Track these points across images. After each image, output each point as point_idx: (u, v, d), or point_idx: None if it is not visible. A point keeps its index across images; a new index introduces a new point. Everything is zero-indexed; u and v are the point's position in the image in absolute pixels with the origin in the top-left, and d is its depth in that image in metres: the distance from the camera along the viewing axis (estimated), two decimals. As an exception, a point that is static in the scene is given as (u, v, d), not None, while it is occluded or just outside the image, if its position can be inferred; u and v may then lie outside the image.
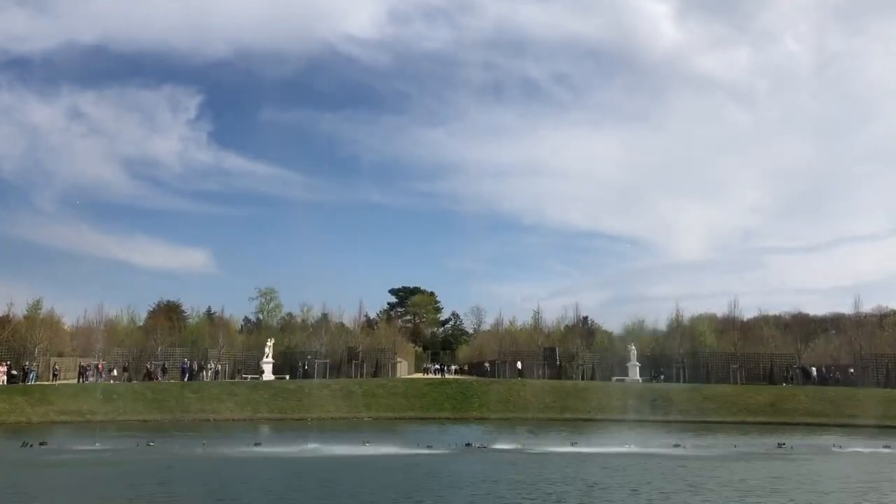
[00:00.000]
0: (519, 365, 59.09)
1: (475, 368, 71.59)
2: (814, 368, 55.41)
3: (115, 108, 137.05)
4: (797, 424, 41.15)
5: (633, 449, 27.37)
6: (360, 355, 59.52)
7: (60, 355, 56.88)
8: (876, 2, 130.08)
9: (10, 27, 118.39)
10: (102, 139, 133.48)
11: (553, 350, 61.85)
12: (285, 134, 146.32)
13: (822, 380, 53.96)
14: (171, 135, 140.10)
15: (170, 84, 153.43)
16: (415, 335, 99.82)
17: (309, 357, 58.02)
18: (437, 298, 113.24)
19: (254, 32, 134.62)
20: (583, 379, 56.82)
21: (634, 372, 56.15)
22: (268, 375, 53.77)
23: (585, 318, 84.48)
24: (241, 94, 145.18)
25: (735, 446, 29.17)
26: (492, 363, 64.08)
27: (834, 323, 78.63)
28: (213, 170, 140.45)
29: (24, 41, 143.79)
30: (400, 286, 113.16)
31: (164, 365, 54.74)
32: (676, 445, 28.79)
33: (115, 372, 53.97)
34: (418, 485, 18.31)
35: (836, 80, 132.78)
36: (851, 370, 54.21)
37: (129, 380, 53.26)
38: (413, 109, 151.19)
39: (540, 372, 59.22)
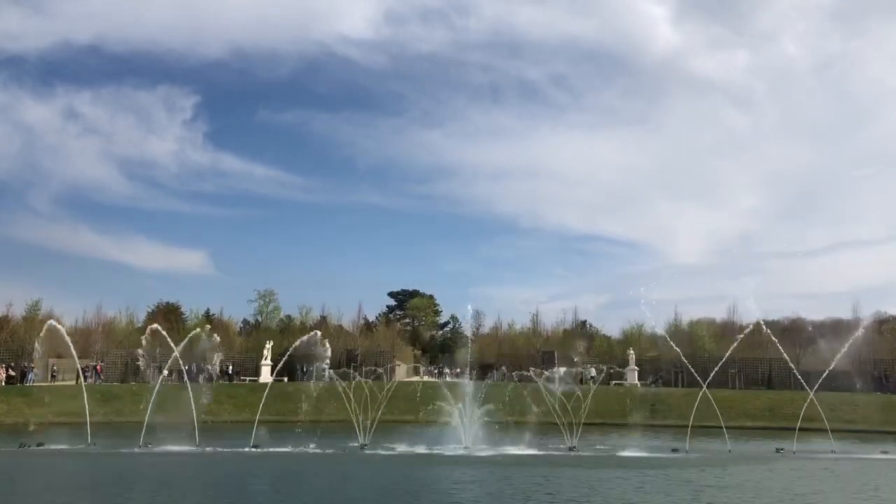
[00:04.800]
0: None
1: (475, 371, 71.68)
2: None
3: (111, 108, 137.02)
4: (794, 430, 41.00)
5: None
6: (359, 358, 59.51)
7: (59, 356, 56.82)
8: (875, 4, 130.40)
9: (4, 25, 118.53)
10: (98, 139, 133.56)
11: (552, 354, 61.86)
12: (281, 135, 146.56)
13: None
14: (166, 135, 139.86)
15: (165, 84, 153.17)
16: (413, 338, 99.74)
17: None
18: (437, 301, 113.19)
19: (249, 33, 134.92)
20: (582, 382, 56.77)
21: (633, 376, 56.18)
22: (266, 377, 53.82)
23: (584, 322, 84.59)
24: (236, 95, 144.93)
25: (730, 451, 29.19)
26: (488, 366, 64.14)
27: (832, 328, 78.56)
28: (210, 171, 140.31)
29: (18, 40, 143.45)
30: (399, 289, 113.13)
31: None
32: (675, 450, 28.81)
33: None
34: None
35: (835, 83, 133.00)
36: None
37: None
38: (410, 111, 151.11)
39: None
